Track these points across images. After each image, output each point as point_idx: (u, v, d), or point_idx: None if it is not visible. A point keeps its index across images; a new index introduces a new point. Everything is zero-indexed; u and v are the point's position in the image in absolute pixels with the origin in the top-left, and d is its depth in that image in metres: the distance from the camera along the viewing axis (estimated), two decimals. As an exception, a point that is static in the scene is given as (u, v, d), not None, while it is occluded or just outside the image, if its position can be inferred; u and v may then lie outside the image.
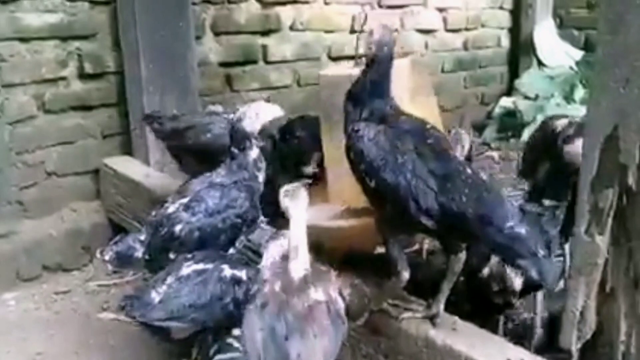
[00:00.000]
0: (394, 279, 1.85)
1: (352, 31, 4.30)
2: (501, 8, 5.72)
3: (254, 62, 3.94)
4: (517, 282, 2.04)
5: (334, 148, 2.39)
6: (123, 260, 2.18)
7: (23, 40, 2.95)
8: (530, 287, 2.11)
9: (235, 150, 2.24)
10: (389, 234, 1.84)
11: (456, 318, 1.88)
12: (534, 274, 1.54)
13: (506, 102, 5.47)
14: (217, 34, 3.72)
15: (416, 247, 2.88)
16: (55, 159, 3.17)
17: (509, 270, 2.03)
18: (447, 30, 5.23)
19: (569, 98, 5.19)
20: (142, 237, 2.17)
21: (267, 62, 4.01)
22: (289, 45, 4.10)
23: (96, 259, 2.59)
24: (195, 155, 2.72)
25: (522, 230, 1.59)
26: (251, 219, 2.22)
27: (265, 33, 3.96)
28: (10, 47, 2.91)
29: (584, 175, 1.63)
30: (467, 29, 5.41)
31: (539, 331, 2.31)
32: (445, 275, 1.87)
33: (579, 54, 5.64)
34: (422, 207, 1.67)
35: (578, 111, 4.65)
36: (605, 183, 1.59)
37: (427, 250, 2.89)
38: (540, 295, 2.31)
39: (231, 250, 2.18)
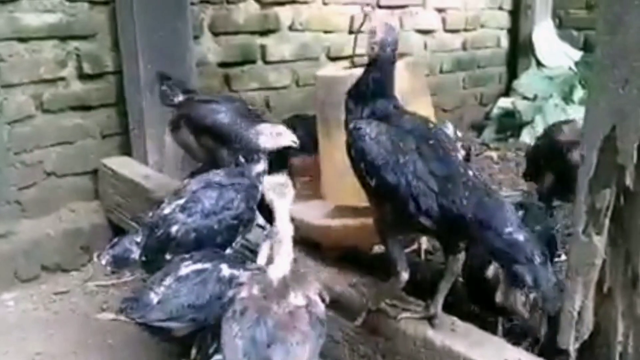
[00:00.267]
0: (392, 279, 1.84)
1: (351, 31, 4.31)
2: (500, 9, 5.73)
3: (253, 62, 3.94)
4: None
5: (329, 147, 2.40)
6: (120, 263, 2.18)
7: (22, 40, 2.95)
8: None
9: (242, 160, 2.25)
10: (388, 234, 1.84)
11: (455, 318, 1.88)
12: (529, 280, 1.55)
13: (505, 102, 5.48)
14: (215, 34, 3.72)
15: (414, 246, 2.89)
16: (54, 159, 3.17)
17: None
18: (446, 31, 5.24)
19: (567, 99, 5.19)
20: (138, 239, 2.17)
21: (265, 62, 4.01)
22: (287, 46, 4.10)
23: (95, 260, 2.59)
24: (198, 131, 2.73)
25: (520, 236, 1.59)
26: (247, 220, 2.22)
27: (264, 33, 3.96)
28: (9, 47, 2.91)
29: (582, 175, 1.63)
30: (466, 30, 5.41)
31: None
32: (443, 276, 1.87)
33: (578, 55, 5.65)
34: (421, 207, 1.67)
35: (577, 112, 4.67)
36: (602, 183, 1.60)
37: (425, 250, 2.90)
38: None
39: (228, 251, 2.18)
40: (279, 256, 1.69)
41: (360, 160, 1.78)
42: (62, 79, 3.14)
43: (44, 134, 3.11)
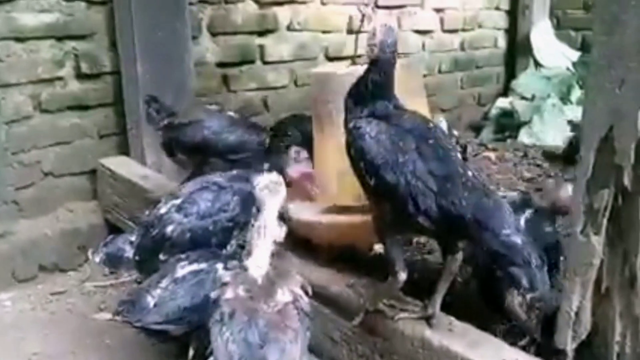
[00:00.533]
0: (391, 279, 1.84)
1: (350, 31, 4.31)
2: (498, 9, 5.73)
3: (251, 62, 3.94)
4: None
5: (324, 145, 2.40)
6: (113, 262, 2.18)
7: (19, 40, 2.94)
8: None
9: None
10: (387, 233, 1.83)
11: (452, 318, 1.88)
12: (524, 282, 1.56)
13: (503, 102, 5.48)
14: (214, 34, 3.72)
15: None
16: (52, 159, 3.17)
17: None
18: (444, 31, 5.24)
19: (565, 99, 5.20)
20: (133, 238, 2.17)
21: (264, 62, 4.00)
22: (286, 46, 4.09)
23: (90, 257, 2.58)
24: (190, 151, 2.73)
25: (517, 238, 1.60)
26: (243, 223, 2.21)
27: (262, 33, 3.96)
28: (6, 47, 2.90)
29: (580, 176, 1.63)
30: (464, 30, 5.42)
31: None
32: (441, 275, 1.87)
33: (575, 55, 5.65)
34: (420, 207, 1.67)
35: (574, 112, 4.67)
36: (600, 184, 1.60)
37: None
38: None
39: (223, 252, 2.17)
40: (257, 249, 1.68)
41: (360, 160, 1.78)
42: (60, 78, 3.13)
43: (42, 134, 3.11)
